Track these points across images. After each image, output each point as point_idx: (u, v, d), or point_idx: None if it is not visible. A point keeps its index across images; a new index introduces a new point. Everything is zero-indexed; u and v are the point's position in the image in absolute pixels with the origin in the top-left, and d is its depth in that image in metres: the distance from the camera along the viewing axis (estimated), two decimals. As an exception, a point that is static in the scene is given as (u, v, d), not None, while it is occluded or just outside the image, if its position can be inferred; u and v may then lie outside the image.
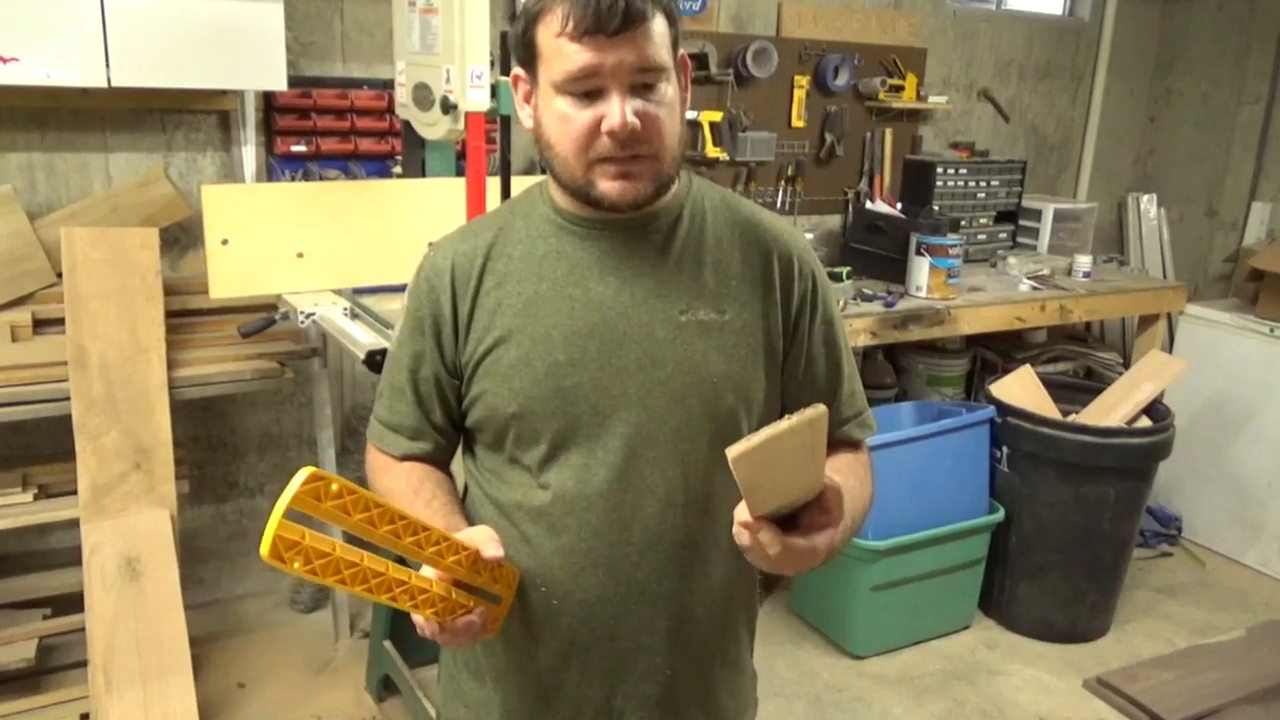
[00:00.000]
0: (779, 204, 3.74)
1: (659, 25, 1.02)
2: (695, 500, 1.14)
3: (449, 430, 1.20)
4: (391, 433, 1.20)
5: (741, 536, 0.95)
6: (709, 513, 1.16)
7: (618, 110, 1.01)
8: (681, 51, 1.09)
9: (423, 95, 2.34)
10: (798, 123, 3.70)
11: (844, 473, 1.15)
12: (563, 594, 1.13)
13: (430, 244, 1.23)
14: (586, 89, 1.02)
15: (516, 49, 1.09)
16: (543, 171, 1.17)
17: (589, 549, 1.12)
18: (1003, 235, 3.97)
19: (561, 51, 1.01)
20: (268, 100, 2.80)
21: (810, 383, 1.22)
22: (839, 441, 1.25)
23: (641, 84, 1.02)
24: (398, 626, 2.55)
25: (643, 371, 1.10)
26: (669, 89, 1.05)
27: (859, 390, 1.27)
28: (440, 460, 1.22)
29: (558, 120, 1.04)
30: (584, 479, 1.11)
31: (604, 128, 1.01)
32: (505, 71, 2.24)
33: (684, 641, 1.19)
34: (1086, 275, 3.64)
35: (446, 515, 1.11)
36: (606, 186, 1.05)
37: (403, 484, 1.16)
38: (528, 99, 1.10)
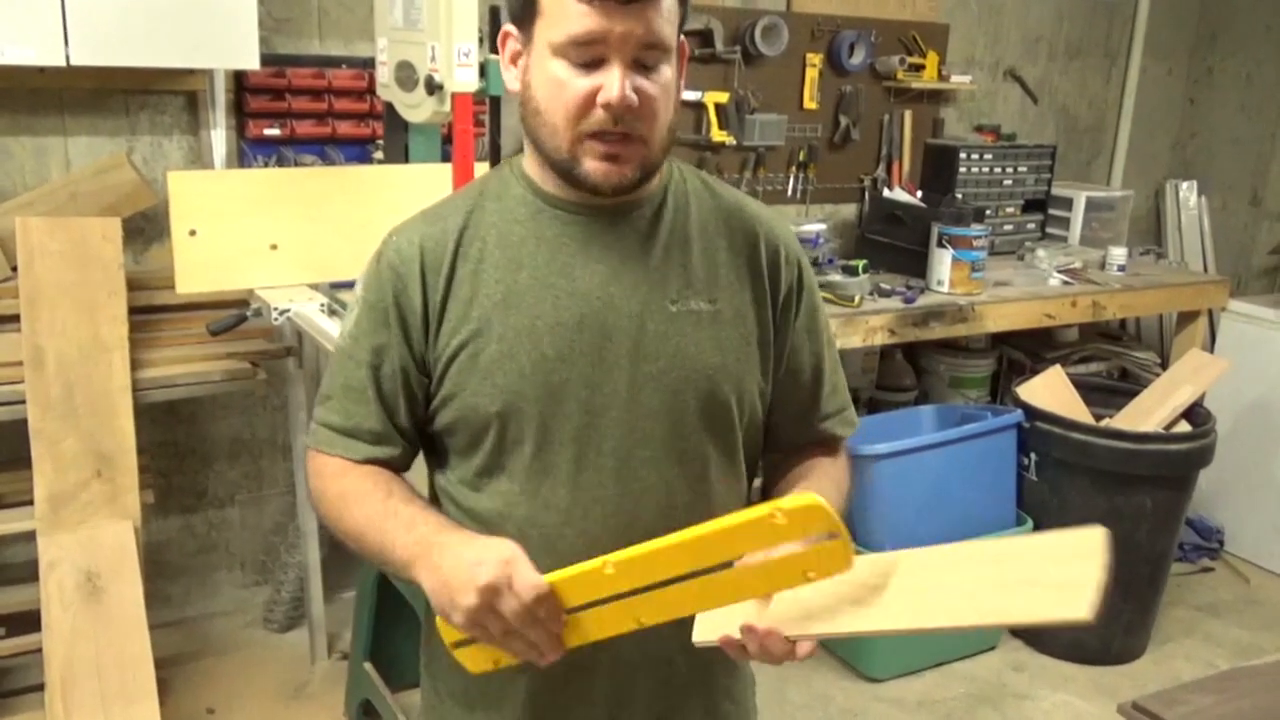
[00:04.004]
0: (790, 192, 3.74)
1: (670, 2, 1.03)
2: (696, 499, 1.15)
3: (413, 434, 1.18)
4: (347, 438, 1.15)
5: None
6: (710, 512, 1.16)
7: (617, 83, 1.01)
8: (682, 37, 1.10)
9: (406, 75, 2.34)
10: (810, 104, 3.70)
11: (818, 478, 1.20)
12: None
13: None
14: (588, 56, 1.01)
15: (512, 2, 1.08)
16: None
17: (585, 558, 1.11)
18: (1031, 226, 3.97)
19: (567, 12, 1.01)
20: (239, 80, 2.80)
21: (794, 375, 1.24)
22: (818, 441, 1.27)
23: (644, 60, 1.03)
24: (379, 647, 2.55)
25: (634, 365, 1.10)
26: (669, 71, 1.06)
27: (842, 385, 1.29)
28: (403, 469, 1.20)
29: (551, 85, 1.04)
30: (577, 483, 1.11)
31: (600, 99, 1.01)
32: (494, 49, 2.23)
33: (687, 649, 1.19)
34: (1121, 269, 3.63)
35: (439, 524, 1.08)
36: (592, 166, 1.05)
37: (369, 484, 1.12)
38: (515, 59, 1.10)
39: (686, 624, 1.17)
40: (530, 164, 1.14)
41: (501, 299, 1.11)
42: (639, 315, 1.11)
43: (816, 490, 1.14)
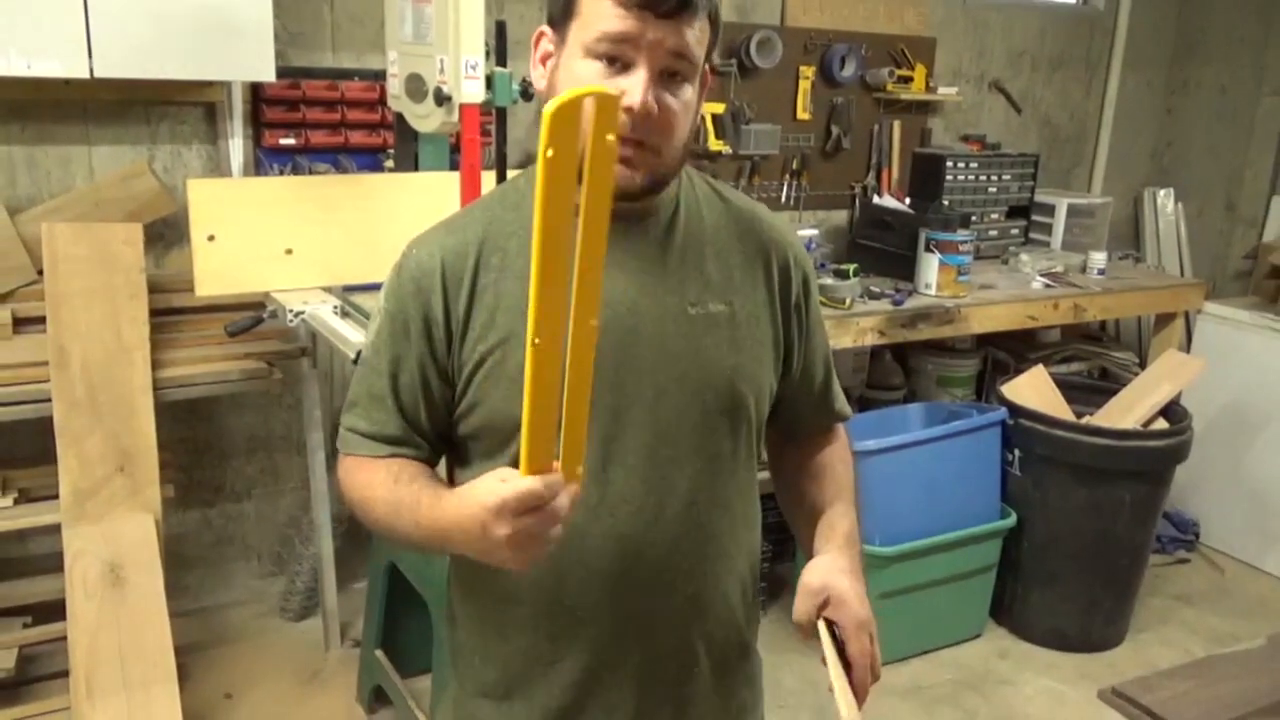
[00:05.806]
0: (784, 199, 3.74)
1: (703, 23, 1.04)
2: (717, 495, 1.16)
3: (434, 438, 1.17)
4: (371, 441, 1.15)
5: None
6: (729, 506, 1.18)
7: (640, 88, 1.00)
8: (707, 65, 1.10)
9: (415, 86, 2.34)
10: (803, 115, 3.70)
11: (833, 462, 1.29)
12: (589, 605, 1.13)
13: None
14: (616, 54, 1.01)
15: (554, 3, 1.08)
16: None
17: (614, 555, 1.11)
18: (1015, 231, 3.97)
19: (604, 12, 1.01)
20: (255, 92, 2.80)
21: (808, 371, 1.27)
22: (826, 426, 1.33)
23: (669, 72, 1.03)
24: (390, 635, 2.55)
25: (657, 368, 1.10)
26: (690, 90, 1.06)
27: (836, 376, 1.36)
28: (426, 465, 1.18)
29: (575, 83, 1.02)
30: (603, 483, 1.10)
31: (623, 103, 1.00)
32: (501, 62, 2.24)
33: (709, 637, 1.21)
34: (1101, 272, 3.64)
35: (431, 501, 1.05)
36: None
37: (381, 474, 1.11)
38: (545, 60, 1.10)
39: (710, 618, 1.19)
40: None
41: (525, 307, 1.10)
42: (659, 319, 1.11)
43: (844, 481, 1.28)
